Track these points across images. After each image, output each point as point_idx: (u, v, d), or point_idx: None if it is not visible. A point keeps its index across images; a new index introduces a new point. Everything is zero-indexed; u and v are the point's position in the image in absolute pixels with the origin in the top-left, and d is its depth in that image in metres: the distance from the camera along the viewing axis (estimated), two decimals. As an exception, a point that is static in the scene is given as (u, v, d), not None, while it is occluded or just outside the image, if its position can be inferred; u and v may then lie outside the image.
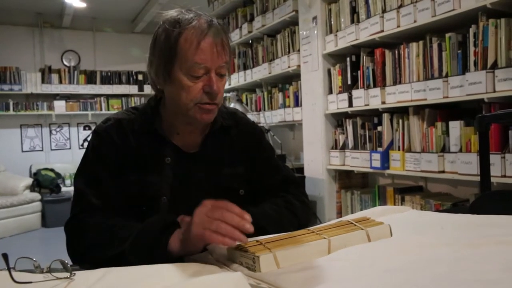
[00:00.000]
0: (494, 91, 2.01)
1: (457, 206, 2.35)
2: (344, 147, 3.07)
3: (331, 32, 3.10)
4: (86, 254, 0.94)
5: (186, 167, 1.11)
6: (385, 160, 2.66)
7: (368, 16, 2.75)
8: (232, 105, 3.71)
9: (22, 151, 6.53)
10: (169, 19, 1.04)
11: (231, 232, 0.76)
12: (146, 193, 1.07)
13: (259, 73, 4.05)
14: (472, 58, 2.13)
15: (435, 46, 2.33)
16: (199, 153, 1.14)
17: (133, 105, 6.99)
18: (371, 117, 2.85)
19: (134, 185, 1.07)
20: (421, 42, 2.42)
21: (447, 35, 2.26)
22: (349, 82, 2.96)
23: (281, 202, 1.14)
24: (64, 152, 6.79)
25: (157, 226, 0.88)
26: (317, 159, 3.25)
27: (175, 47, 1.01)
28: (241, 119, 1.25)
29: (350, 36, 2.87)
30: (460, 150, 2.21)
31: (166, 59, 1.03)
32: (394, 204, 2.70)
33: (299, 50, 3.43)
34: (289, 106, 3.74)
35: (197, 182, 1.12)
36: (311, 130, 3.31)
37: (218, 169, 1.14)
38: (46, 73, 6.47)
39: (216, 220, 0.78)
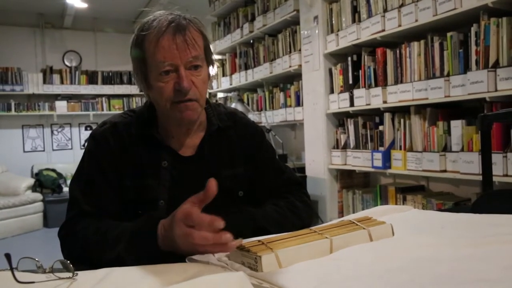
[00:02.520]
0: (496, 90, 2.01)
1: (459, 206, 2.35)
2: (345, 146, 3.07)
3: (332, 31, 3.10)
4: (80, 259, 0.93)
5: (183, 170, 1.11)
6: (387, 159, 2.66)
7: (369, 15, 2.74)
8: (233, 105, 3.72)
9: (24, 152, 6.54)
10: (140, 24, 1.05)
11: (216, 250, 0.76)
12: (143, 197, 1.07)
13: (260, 72, 4.05)
14: (473, 57, 2.13)
15: (436, 45, 2.32)
16: (196, 156, 1.13)
17: (134, 105, 7.04)
18: (372, 116, 2.85)
19: (131, 189, 1.07)
20: (422, 41, 2.41)
21: (448, 34, 2.25)
22: (350, 82, 2.95)
23: (283, 203, 1.14)
24: (66, 153, 6.80)
25: (147, 226, 0.88)
26: (319, 158, 3.25)
27: (142, 51, 1.03)
28: (240, 119, 1.23)
29: (351, 35, 2.87)
30: (462, 150, 2.21)
31: (139, 65, 1.05)
32: (396, 204, 2.70)
33: (300, 50, 3.42)
34: (290, 106, 3.73)
35: (195, 185, 1.10)
36: (313, 129, 3.31)
37: (216, 171, 1.12)
38: (47, 74, 6.48)
39: (200, 245, 0.76)
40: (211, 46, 1.11)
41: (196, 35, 1.04)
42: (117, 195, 1.06)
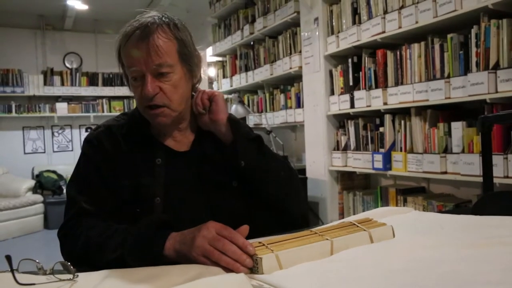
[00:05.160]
0: (496, 92, 2.01)
1: (460, 207, 2.34)
2: (346, 148, 3.07)
3: (332, 33, 3.10)
4: (80, 259, 0.94)
5: (178, 166, 1.12)
6: (387, 161, 2.65)
7: (370, 17, 2.75)
8: (233, 107, 3.72)
9: (25, 153, 6.54)
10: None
11: (232, 264, 0.76)
12: (139, 195, 1.08)
13: (261, 74, 4.05)
14: (474, 59, 2.13)
15: (436, 47, 2.32)
16: (191, 151, 1.15)
17: (135, 106, 7.03)
18: (373, 118, 2.85)
19: (127, 188, 1.08)
20: (422, 43, 2.41)
21: (449, 36, 2.25)
22: (350, 83, 2.95)
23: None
24: (66, 154, 6.80)
25: (151, 229, 0.89)
26: (319, 160, 3.24)
27: (119, 55, 1.08)
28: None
29: (351, 37, 2.87)
30: (463, 151, 2.21)
31: (122, 69, 1.10)
32: (397, 205, 2.70)
33: (300, 52, 3.43)
34: (290, 107, 3.73)
35: (190, 180, 1.13)
36: (313, 131, 3.31)
37: (210, 165, 1.14)
38: (48, 75, 6.48)
39: (217, 251, 0.78)
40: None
41: (163, 41, 1.03)
42: (114, 194, 1.07)
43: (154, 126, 1.12)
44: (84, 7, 5.84)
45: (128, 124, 1.15)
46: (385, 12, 2.61)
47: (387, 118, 2.67)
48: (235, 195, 1.14)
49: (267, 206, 1.15)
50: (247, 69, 4.34)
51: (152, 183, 1.08)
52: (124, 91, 6.96)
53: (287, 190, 1.18)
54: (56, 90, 6.52)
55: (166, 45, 1.03)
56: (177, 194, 1.09)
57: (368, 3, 2.76)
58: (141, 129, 1.13)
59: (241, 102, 3.76)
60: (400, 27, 2.50)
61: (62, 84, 6.59)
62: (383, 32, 2.61)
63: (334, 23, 3.09)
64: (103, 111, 6.83)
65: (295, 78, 3.69)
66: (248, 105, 4.30)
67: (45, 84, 6.43)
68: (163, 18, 1.06)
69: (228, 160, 1.12)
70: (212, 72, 5.11)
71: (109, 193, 1.07)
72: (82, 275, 0.73)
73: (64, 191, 5.76)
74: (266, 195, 1.14)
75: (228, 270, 0.75)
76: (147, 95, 1.02)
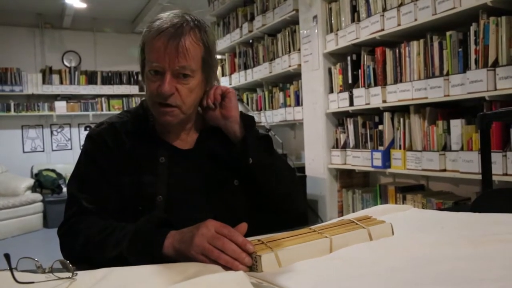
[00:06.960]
0: (495, 89, 2.01)
1: (459, 205, 2.35)
2: (345, 146, 3.07)
3: (331, 31, 3.09)
4: (80, 257, 0.94)
5: (181, 164, 1.12)
6: (386, 159, 2.66)
7: (369, 15, 2.74)
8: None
9: (24, 152, 6.53)
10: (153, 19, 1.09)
11: (231, 263, 0.76)
12: (141, 193, 1.07)
13: (260, 72, 4.04)
14: (473, 56, 2.13)
15: (435, 44, 2.32)
16: (194, 150, 1.15)
17: (134, 105, 7.03)
18: (372, 116, 2.85)
19: (130, 186, 1.07)
20: (421, 41, 2.41)
21: (447, 34, 2.25)
22: (350, 81, 2.95)
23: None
24: (65, 153, 6.79)
25: (151, 227, 0.89)
26: (318, 158, 3.24)
27: (143, 46, 1.07)
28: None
29: (350, 35, 2.87)
30: (462, 149, 2.21)
31: (141, 60, 1.09)
32: (396, 203, 2.70)
33: (299, 49, 3.42)
34: (290, 106, 3.73)
35: (192, 178, 1.13)
36: (312, 129, 3.31)
37: (213, 163, 1.15)
38: (47, 74, 6.47)
39: (216, 250, 0.78)
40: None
41: (193, 45, 1.04)
42: (116, 192, 1.07)
43: (159, 123, 1.11)
44: (82, 5, 5.83)
45: (131, 121, 1.14)
46: (384, 9, 2.61)
47: (386, 116, 2.67)
48: (237, 194, 1.14)
49: (268, 205, 1.16)
50: (246, 67, 4.33)
51: (155, 181, 1.08)
52: (123, 89, 6.96)
53: (290, 189, 1.19)
54: (55, 88, 6.51)
55: (194, 49, 1.04)
56: (179, 193, 1.09)
57: (367, 0, 2.76)
58: (145, 126, 1.13)
59: (240, 100, 3.75)
60: (399, 25, 2.50)
61: (61, 83, 6.59)
62: (382, 29, 2.61)
63: (333, 21, 3.09)
64: (102, 110, 6.82)
65: (294, 76, 3.68)
66: (247, 104, 4.30)
67: (43, 82, 6.42)
68: (196, 22, 1.07)
69: (235, 157, 1.12)
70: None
71: (111, 191, 1.07)
72: (81, 273, 0.73)
73: (63, 189, 5.83)
74: (270, 193, 1.14)
75: (227, 268, 0.75)
76: (163, 93, 1.02)
